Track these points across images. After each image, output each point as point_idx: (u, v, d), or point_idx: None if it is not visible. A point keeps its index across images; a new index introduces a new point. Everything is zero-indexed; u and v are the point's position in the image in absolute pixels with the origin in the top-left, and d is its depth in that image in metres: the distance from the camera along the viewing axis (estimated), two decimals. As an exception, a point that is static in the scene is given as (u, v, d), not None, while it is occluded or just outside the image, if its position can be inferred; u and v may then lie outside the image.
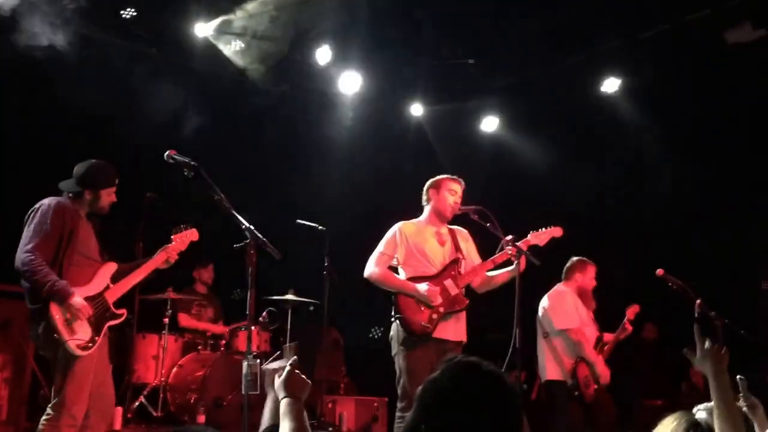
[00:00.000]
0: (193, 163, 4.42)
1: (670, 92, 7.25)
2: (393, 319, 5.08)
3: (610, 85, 7.72)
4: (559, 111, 7.76)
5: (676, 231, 7.79)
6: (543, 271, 5.41)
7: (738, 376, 2.16)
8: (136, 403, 6.36)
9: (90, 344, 4.24)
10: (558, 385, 5.97)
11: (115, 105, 6.62)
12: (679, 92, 7.19)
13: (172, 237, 4.84)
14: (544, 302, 6.16)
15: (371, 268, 5.14)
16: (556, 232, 5.34)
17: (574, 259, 6.30)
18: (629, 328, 6.34)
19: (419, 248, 5.17)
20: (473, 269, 5.21)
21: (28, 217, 4.34)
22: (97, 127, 6.69)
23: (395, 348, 5.04)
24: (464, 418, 1.86)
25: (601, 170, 8.01)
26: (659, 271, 5.93)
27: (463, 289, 5.16)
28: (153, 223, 5.87)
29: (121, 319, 4.54)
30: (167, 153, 4.49)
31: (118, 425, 5.85)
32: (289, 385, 2.31)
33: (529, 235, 5.26)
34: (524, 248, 5.06)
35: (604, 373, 5.98)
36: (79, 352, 4.18)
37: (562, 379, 5.95)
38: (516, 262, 5.00)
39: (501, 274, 5.24)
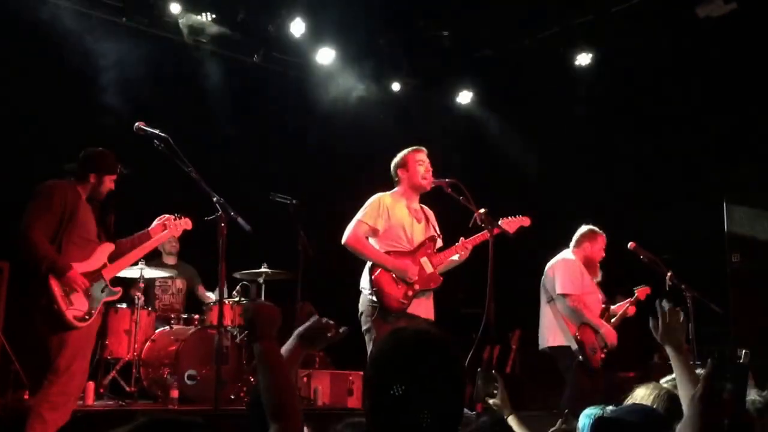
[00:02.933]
0: (162, 134, 4.44)
1: (640, 65, 7.20)
2: (369, 293, 4.92)
3: (583, 58, 7.63)
4: (533, 84, 7.69)
5: (645, 205, 7.76)
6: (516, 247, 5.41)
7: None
8: (109, 378, 6.25)
9: (86, 317, 4.44)
10: (562, 350, 5.87)
11: (84, 77, 6.44)
12: (649, 65, 7.14)
13: (164, 224, 4.95)
14: (550, 267, 6.05)
15: (351, 235, 4.99)
16: (525, 221, 5.27)
17: (586, 228, 6.19)
18: (632, 310, 6.17)
19: (398, 222, 5.06)
20: (450, 250, 5.12)
21: (32, 195, 4.48)
22: (67, 99, 6.48)
23: (367, 323, 4.92)
24: (405, 385, 1.85)
25: (572, 144, 7.95)
26: (631, 244, 5.93)
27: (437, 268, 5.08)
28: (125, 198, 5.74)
29: (117, 296, 4.73)
30: (136, 124, 4.54)
31: (90, 400, 5.74)
32: (254, 323, 2.11)
33: (500, 221, 5.20)
34: (495, 232, 5.01)
35: (611, 337, 5.86)
36: (76, 324, 4.36)
37: (566, 344, 5.84)
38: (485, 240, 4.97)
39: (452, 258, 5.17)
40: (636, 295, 6.23)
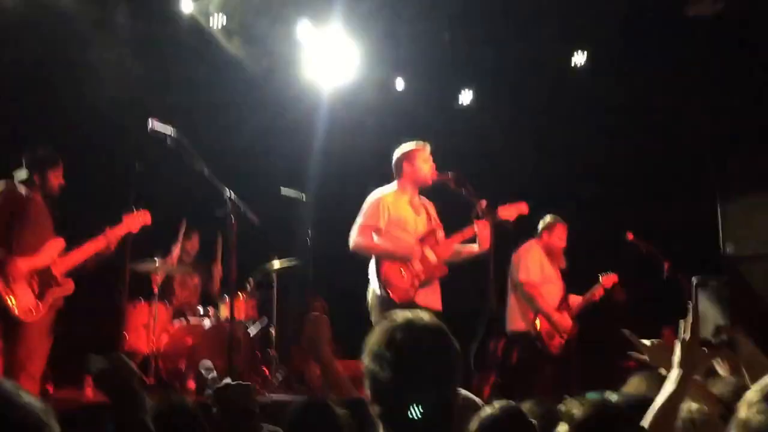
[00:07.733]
0: (174, 133, 4.39)
1: (633, 63, 7.10)
2: (378, 287, 4.86)
3: (580, 57, 7.56)
4: (532, 82, 7.60)
5: (642, 198, 7.66)
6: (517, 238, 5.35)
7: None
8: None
9: (33, 310, 4.33)
10: (522, 336, 5.89)
11: (96, 79, 6.40)
12: (641, 63, 7.04)
13: (122, 217, 4.79)
14: (515, 254, 6.11)
15: (356, 240, 4.95)
16: (522, 208, 5.16)
17: (546, 217, 6.22)
18: (597, 295, 6.18)
19: (399, 218, 5.00)
20: (450, 240, 5.05)
21: None
22: (79, 101, 6.43)
23: (376, 316, 4.87)
24: (398, 374, 1.81)
25: (570, 140, 7.86)
26: (629, 235, 5.91)
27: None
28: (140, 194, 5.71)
29: (67, 290, 4.56)
30: (150, 124, 4.43)
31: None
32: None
33: (497, 209, 5.10)
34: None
35: (565, 325, 5.88)
36: (22, 317, 4.26)
37: (525, 330, 5.87)
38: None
39: (468, 248, 5.08)
40: (601, 283, 6.18)
